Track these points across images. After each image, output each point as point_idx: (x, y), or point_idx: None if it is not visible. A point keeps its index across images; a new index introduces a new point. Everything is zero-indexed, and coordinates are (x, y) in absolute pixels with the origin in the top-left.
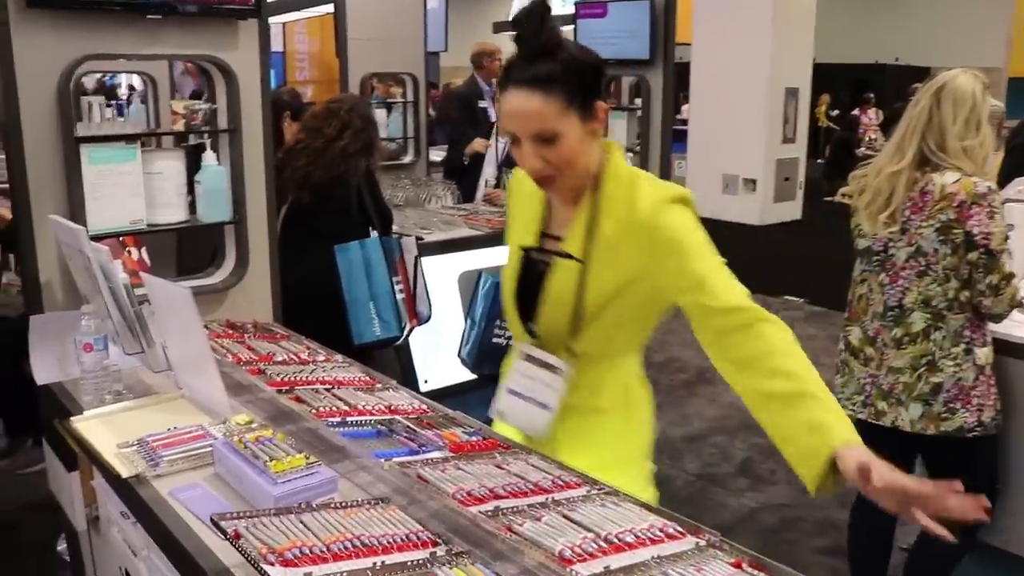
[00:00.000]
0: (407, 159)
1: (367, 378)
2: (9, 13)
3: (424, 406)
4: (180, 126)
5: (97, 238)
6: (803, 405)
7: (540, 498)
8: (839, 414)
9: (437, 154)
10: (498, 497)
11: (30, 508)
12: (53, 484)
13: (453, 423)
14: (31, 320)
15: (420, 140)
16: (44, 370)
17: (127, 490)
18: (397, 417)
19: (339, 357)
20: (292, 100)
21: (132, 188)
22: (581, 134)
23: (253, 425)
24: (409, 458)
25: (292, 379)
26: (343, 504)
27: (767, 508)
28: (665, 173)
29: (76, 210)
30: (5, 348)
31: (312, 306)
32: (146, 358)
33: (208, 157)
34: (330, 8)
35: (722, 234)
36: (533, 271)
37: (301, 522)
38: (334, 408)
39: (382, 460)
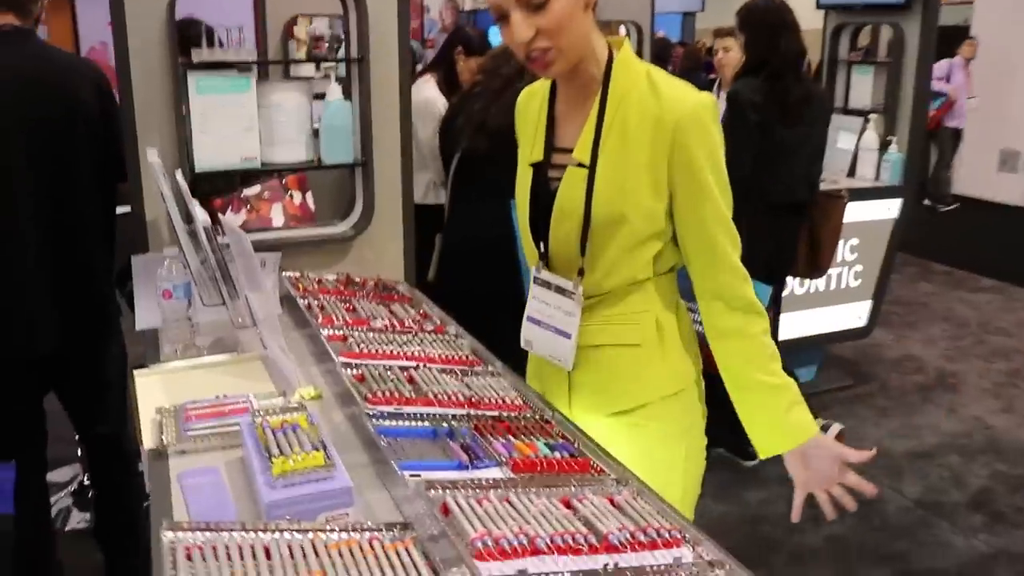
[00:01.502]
0: None
1: (471, 357)
2: None
3: (520, 400)
4: (302, 54)
5: (205, 176)
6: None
7: (597, 560)
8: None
9: None
10: (537, 552)
11: None
12: None
13: (543, 429)
14: (132, 260)
15: None
16: (145, 314)
17: (147, 463)
18: (473, 412)
19: (452, 329)
20: (472, 34)
21: (245, 122)
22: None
23: (301, 402)
24: (449, 474)
25: (372, 351)
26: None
27: (1005, 557)
28: (918, 141)
29: (182, 144)
30: None
31: (481, 265)
32: (227, 311)
33: (332, 90)
34: None
35: (993, 219)
36: (544, 189)
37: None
38: (396, 394)
39: (405, 474)
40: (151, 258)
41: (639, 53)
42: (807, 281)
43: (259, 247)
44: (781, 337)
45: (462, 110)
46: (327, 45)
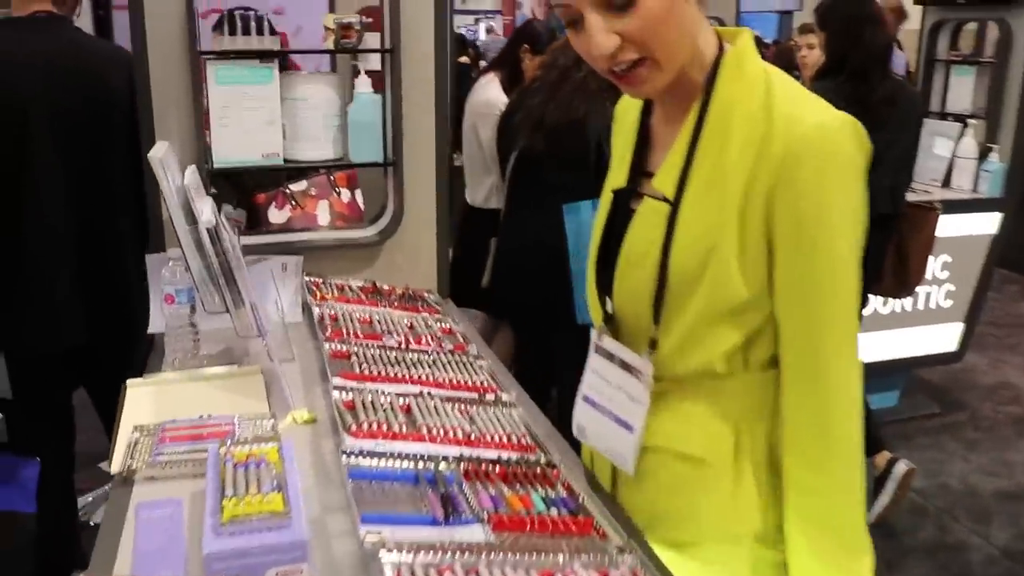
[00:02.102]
0: None
1: (486, 383)
2: None
3: (528, 439)
4: (329, 43)
5: (224, 172)
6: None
7: None
8: None
9: None
10: None
11: None
12: None
13: (546, 477)
14: (147, 259)
15: None
16: (156, 317)
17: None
18: (468, 452)
19: (474, 348)
20: (540, 30)
21: (267, 115)
22: None
23: (286, 427)
24: (418, 532)
25: (374, 372)
26: None
27: None
28: (1022, 149)
29: (200, 137)
30: None
31: (535, 275)
32: (230, 319)
33: (361, 83)
34: None
35: None
36: (622, 224)
37: None
38: (385, 426)
39: (363, 529)
40: (163, 258)
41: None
42: (892, 300)
43: (284, 250)
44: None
45: (520, 107)
46: (357, 34)
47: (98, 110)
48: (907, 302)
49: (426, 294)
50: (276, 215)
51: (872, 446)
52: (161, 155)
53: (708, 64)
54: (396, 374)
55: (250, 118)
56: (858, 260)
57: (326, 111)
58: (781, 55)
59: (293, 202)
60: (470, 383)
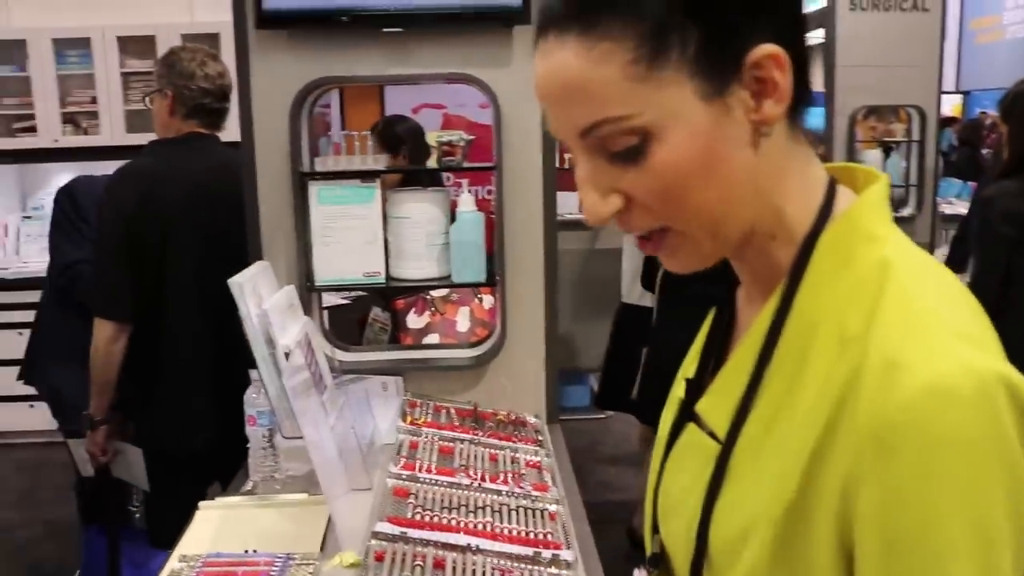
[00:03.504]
0: (906, 211)
1: (553, 537)
2: (248, 37)
3: None
4: (433, 161)
5: (328, 290)
6: None
7: None
8: None
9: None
10: None
11: None
12: None
13: None
14: (251, 374)
15: (925, 188)
16: None
17: None
18: None
19: (554, 492)
20: None
21: (368, 234)
22: (710, 127)
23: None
24: None
25: (425, 518)
26: None
27: None
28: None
29: (303, 257)
30: None
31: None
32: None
33: (464, 201)
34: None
35: None
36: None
37: None
38: None
39: None
40: None
41: (921, 146)
42: None
43: (386, 370)
44: None
45: None
46: (460, 150)
47: (236, 218)
48: None
49: (531, 419)
50: (415, 320)
51: None
52: (247, 278)
53: (799, 235)
54: (451, 521)
55: (351, 237)
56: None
57: (429, 229)
58: (969, 128)
59: (433, 308)
60: (532, 535)
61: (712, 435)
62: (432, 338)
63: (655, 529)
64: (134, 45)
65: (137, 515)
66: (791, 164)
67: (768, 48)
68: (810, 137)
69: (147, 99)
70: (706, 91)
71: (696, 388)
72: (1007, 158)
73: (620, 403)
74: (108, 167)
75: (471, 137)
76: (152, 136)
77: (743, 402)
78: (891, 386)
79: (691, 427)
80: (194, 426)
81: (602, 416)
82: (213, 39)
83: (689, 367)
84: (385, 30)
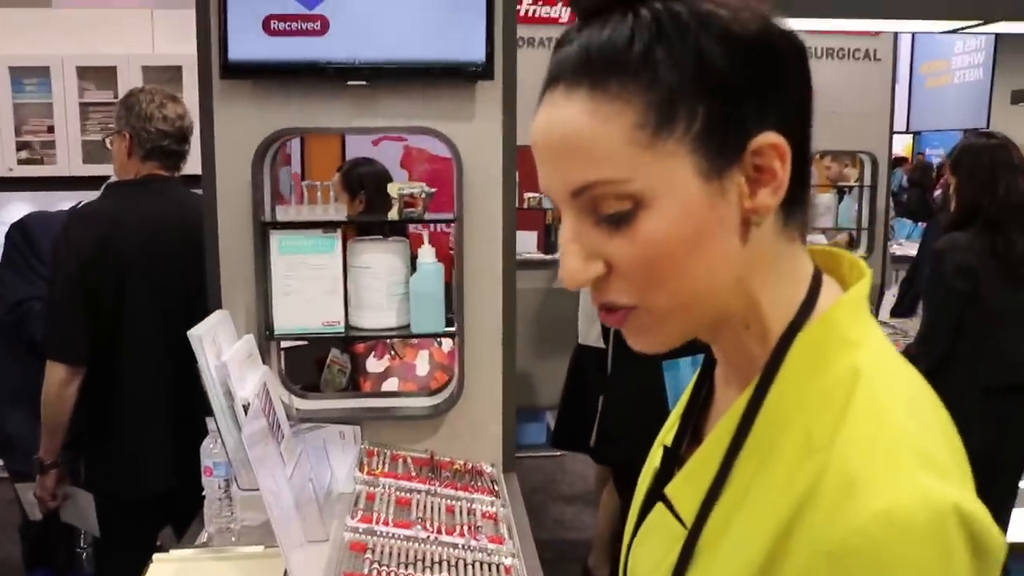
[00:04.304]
0: (858, 253)
1: None
2: (212, 85)
3: None
4: (394, 213)
5: (288, 339)
6: None
7: None
8: None
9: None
10: None
11: None
12: None
13: None
14: (208, 421)
15: (876, 231)
16: None
17: None
18: None
19: (509, 545)
20: None
21: (328, 284)
22: (701, 207)
23: None
24: None
25: (377, 574)
26: None
27: None
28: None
29: (263, 305)
30: None
31: (638, 434)
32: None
33: (424, 253)
34: None
35: None
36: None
37: None
38: None
39: None
40: None
41: (873, 190)
42: None
43: (344, 418)
44: (1011, 538)
45: None
46: (422, 202)
47: (194, 261)
48: None
49: (487, 468)
50: (374, 364)
51: None
52: (206, 330)
53: (775, 330)
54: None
55: (312, 286)
56: None
57: (389, 280)
58: (919, 168)
59: (392, 352)
60: None
61: (679, 519)
62: (391, 383)
63: None
64: (94, 75)
65: (84, 557)
66: (777, 259)
67: (771, 137)
68: (802, 231)
69: (107, 140)
70: (705, 169)
71: (672, 458)
72: (955, 209)
73: (576, 443)
74: (63, 198)
75: (432, 190)
76: (109, 167)
77: (710, 492)
78: (848, 507)
79: (660, 507)
80: (149, 470)
81: (558, 454)
82: (175, 71)
83: (667, 434)
84: (350, 83)
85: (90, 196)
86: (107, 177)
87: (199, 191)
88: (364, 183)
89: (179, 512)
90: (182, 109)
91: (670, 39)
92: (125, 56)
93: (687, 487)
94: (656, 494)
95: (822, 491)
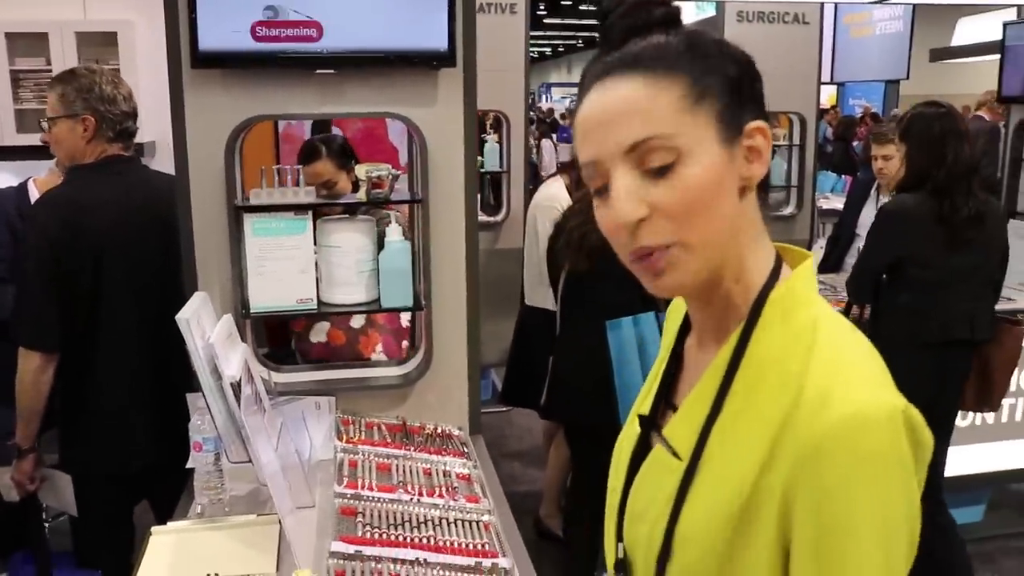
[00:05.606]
0: (788, 210)
1: (489, 546)
2: (183, 75)
3: None
4: (361, 194)
5: (260, 317)
6: None
7: None
8: None
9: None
10: None
11: None
12: None
13: None
14: (188, 398)
15: (804, 189)
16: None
17: None
18: None
19: (485, 503)
20: None
21: (301, 264)
22: (722, 165)
23: None
24: None
25: (374, 535)
26: None
27: None
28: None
29: (238, 286)
30: None
31: (585, 395)
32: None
33: (392, 231)
34: None
35: None
36: (644, 454)
37: None
38: None
39: None
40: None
41: (801, 149)
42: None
43: (319, 390)
44: (947, 473)
45: (563, 229)
46: (388, 184)
47: (165, 240)
48: (992, 414)
49: (455, 431)
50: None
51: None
52: (190, 313)
53: (754, 288)
54: (398, 537)
55: (285, 266)
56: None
57: (358, 257)
58: (843, 123)
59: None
60: (471, 547)
61: (675, 454)
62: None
63: (619, 537)
64: (24, 42)
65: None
66: (756, 227)
67: (760, 122)
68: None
69: (46, 124)
70: (724, 138)
71: (651, 423)
72: (904, 175)
73: (526, 400)
74: None
75: (398, 172)
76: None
77: (706, 425)
78: (824, 412)
79: (657, 449)
80: (127, 446)
81: (504, 409)
82: (111, 37)
83: (642, 404)
84: (318, 71)
85: (26, 166)
86: (41, 147)
87: (160, 170)
88: (349, 153)
89: (154, 487)
90: (128, 87)
91: (698, 44)
92: (57, 22)
93: (682, 427)
94: (644, 448)
95: (802, 404)
